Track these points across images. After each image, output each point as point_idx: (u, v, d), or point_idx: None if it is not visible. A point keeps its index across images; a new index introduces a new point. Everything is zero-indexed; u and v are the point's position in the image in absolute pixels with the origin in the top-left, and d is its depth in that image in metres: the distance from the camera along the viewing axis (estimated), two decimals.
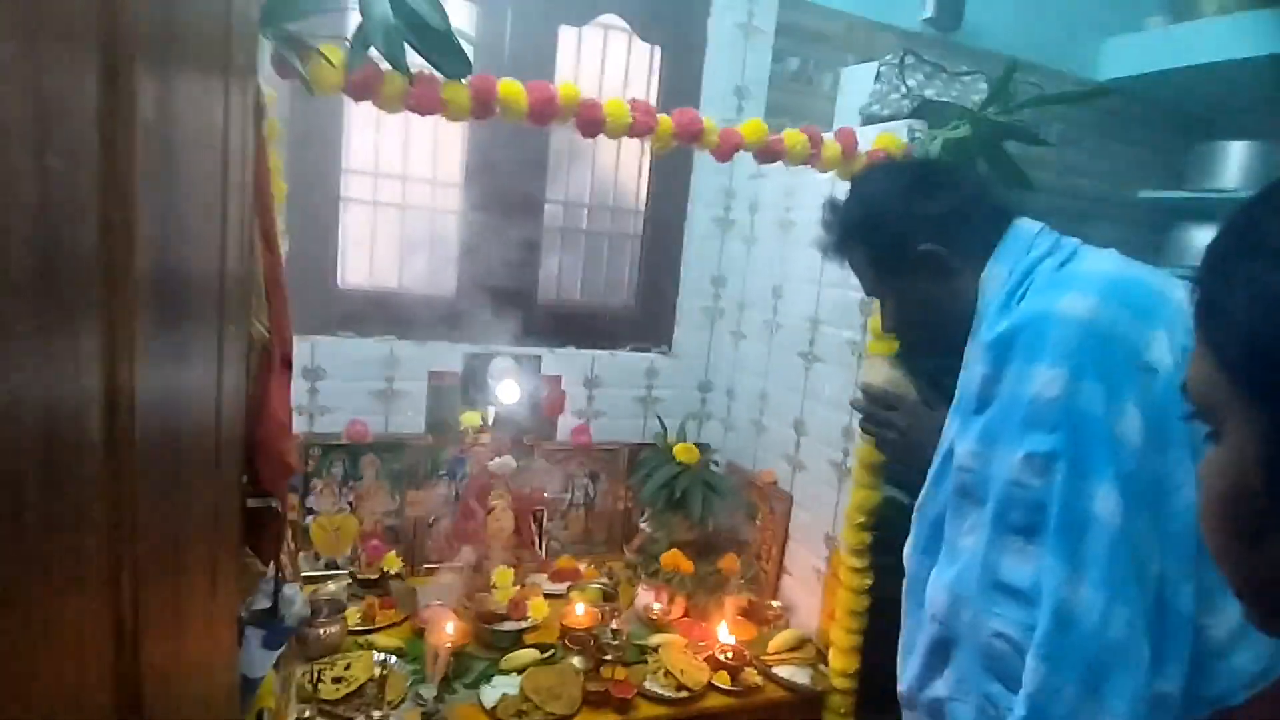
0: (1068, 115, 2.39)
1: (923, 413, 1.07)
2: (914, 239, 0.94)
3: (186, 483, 0.39)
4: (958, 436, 0.90)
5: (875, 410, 1.12)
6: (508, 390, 1.99)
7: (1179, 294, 0.81)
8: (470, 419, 1.95)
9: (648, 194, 2.23)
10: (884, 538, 1.52)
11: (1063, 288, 0.81)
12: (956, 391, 0.93)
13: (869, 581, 1.58)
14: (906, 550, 1.04)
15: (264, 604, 0.88)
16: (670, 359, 2.24)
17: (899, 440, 1.08)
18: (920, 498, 1.00)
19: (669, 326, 2.25)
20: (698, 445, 2.01)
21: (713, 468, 2.05)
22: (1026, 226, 0.93)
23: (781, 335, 1.96)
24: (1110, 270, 0.84)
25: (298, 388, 1.85)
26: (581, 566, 1.98)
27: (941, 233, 0.93)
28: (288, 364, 0.88)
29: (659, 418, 2.16)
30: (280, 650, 1.05)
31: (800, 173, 1.81)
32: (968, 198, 0.96)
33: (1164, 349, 0.76)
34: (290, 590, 1.09)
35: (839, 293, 1.73)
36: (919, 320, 1.02)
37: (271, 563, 0.88)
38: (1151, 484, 0.75)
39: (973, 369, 0.88)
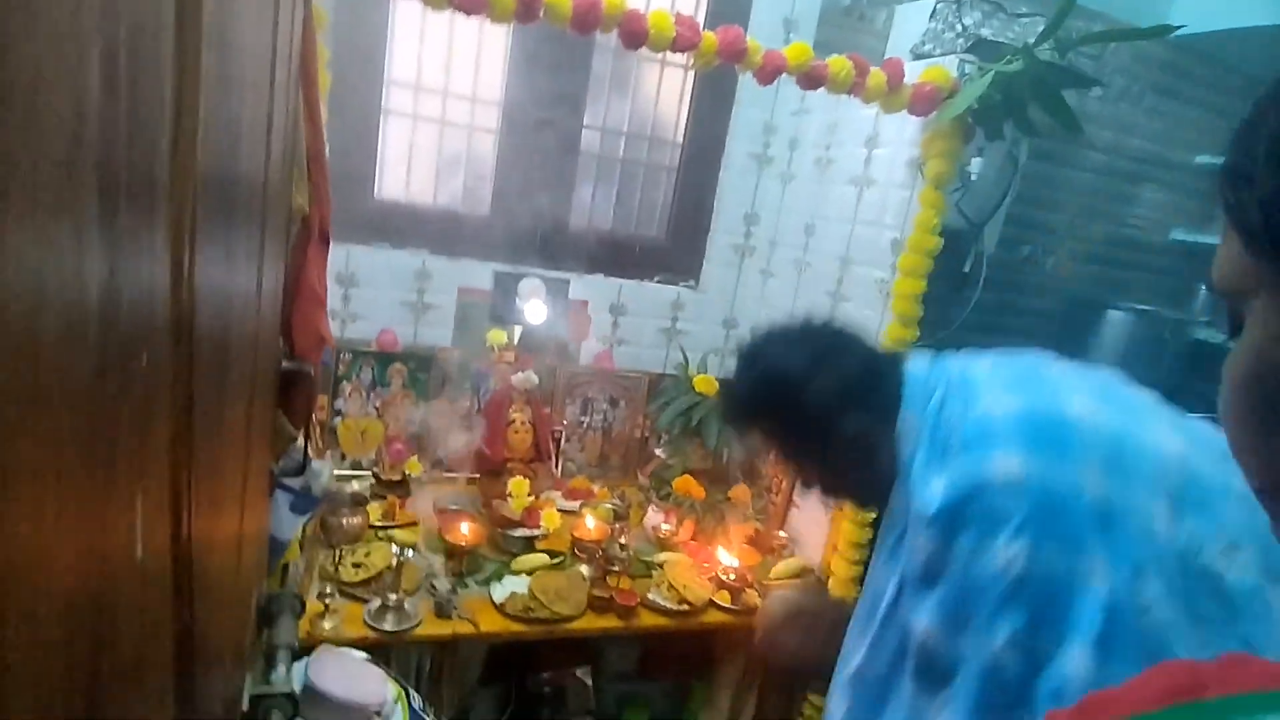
0: (1128, 70, 2.30)
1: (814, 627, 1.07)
2: (827, 419, 0.91)
3: (232, 360, 0.42)
4: (911, 611, 0.85)
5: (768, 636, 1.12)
6: (535, 310, 2.03)
7: (1079, 401, 0.79)
8: (497, 336, 1.99)
9: (686, 126, 2.21)
10: None
11: (984, 444, 0.79)
12: (894, 557, 0.90)
13: (871, 517, 1.61)
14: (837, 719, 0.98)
15: (293, 468, 0.93)
16: (697, 293, 2.25)
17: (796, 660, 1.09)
18: (855, 664, 0.93)
19: (698, 261, 2.25)
20: (717, 379, 2.03)
21: None
22: (917, 369, 0.91)
23: (810, 274, 1.95)
24: (1014, 409, 0.80)
25: (332, 293, 1.90)
26: (595, 488, 2.03)
27: (851, 404, 0.90)
28: (325, 238, 0.92)
29: (681, 350, 2.18)
30: (307, 517, 1.11)
31: (843, 108, 1.78)
32: (864, 357, 0.94)
33: (1094, 474, 0.75)
34: (318, 465, 1.14)
35: (873, 231, 1.72)
36: (840, 485, 1.01)
37: (302, 428, 0.93)
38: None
39: (916, 541, 0.83)
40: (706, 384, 1.98)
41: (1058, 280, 2.54)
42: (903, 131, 1.66)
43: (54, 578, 0.17)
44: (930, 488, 0.80)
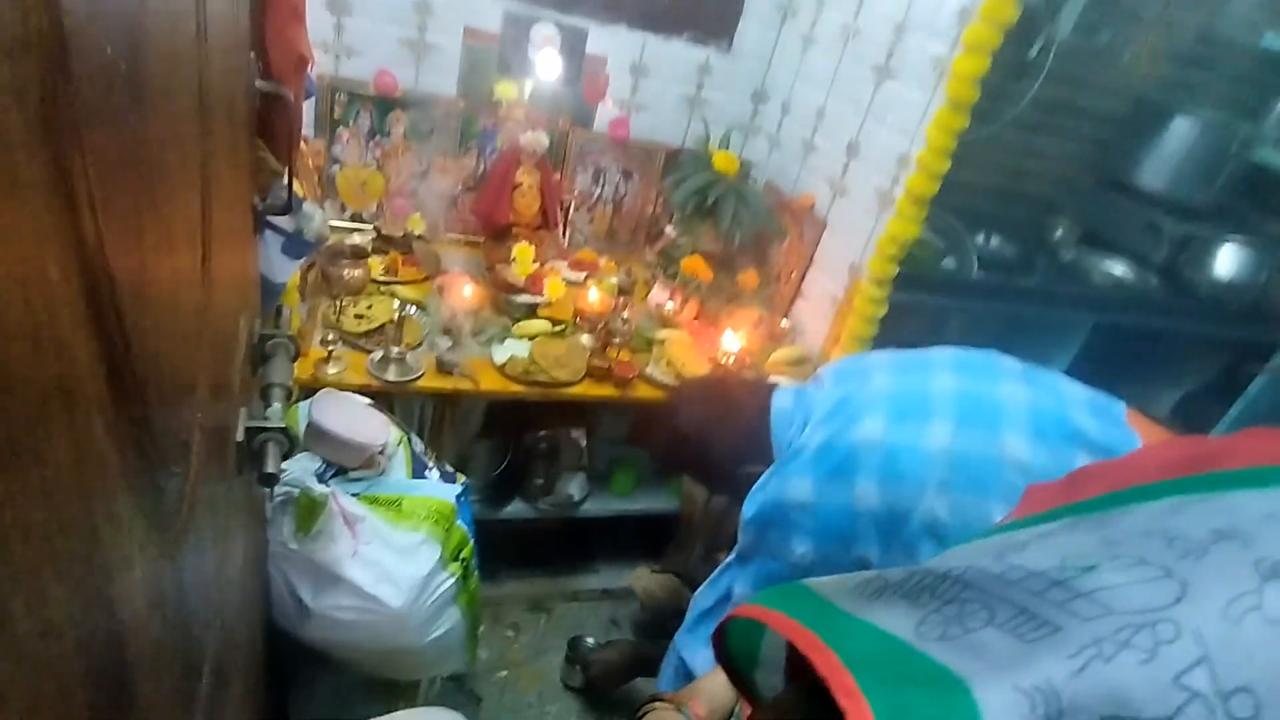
0: None
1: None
2: (731, 465, 1.09)
3: (155, 71, 0.33)
4: (733, 581, 1.12)
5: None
6: (548, 62, 1.83)
7: (867, 425, 0.95)
8: (505, 90, 1.83)
9: None
10: None
11: (787, 472, 1.00)
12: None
13: (882, 312, 1.58)
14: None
15: (279, 206, 0.87)
16: (727, 58, 2.03)
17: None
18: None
19: (734, 18, 1.99)
20: (739, 159, 1.90)
21: (750, 183, 1.96)
22: (782, 405, 1.07)
23: (858, 44, 1.74)
24: (817, 441, 0.98)
25: (321, 20, 1.71)
26: (601, 261, 1.99)
27: (746, 451, 1.07)
28: None
29: (704, 122, 2.01)
30: (300, 261, 1.08)
31: None
32: (754, 406, 1.09)
33: (870, 487, 0.94)
34: (310, 207, 1.08)
35: None
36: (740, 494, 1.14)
37: (286, 163, 0.86)
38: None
39: (740, 536, 1.07)
40: (727, 162, 1.85)
41: (1128, 77, 2.29)
42: None
43: None
44: (754, 498, 1.03)
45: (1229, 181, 2.17)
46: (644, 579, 1.85)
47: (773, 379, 1.69)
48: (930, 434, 0.92)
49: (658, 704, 0.88)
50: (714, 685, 0.96)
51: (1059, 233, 2.29)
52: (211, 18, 0.45)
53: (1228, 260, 2.11)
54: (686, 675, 1.16)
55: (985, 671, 0.25)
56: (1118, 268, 2.22)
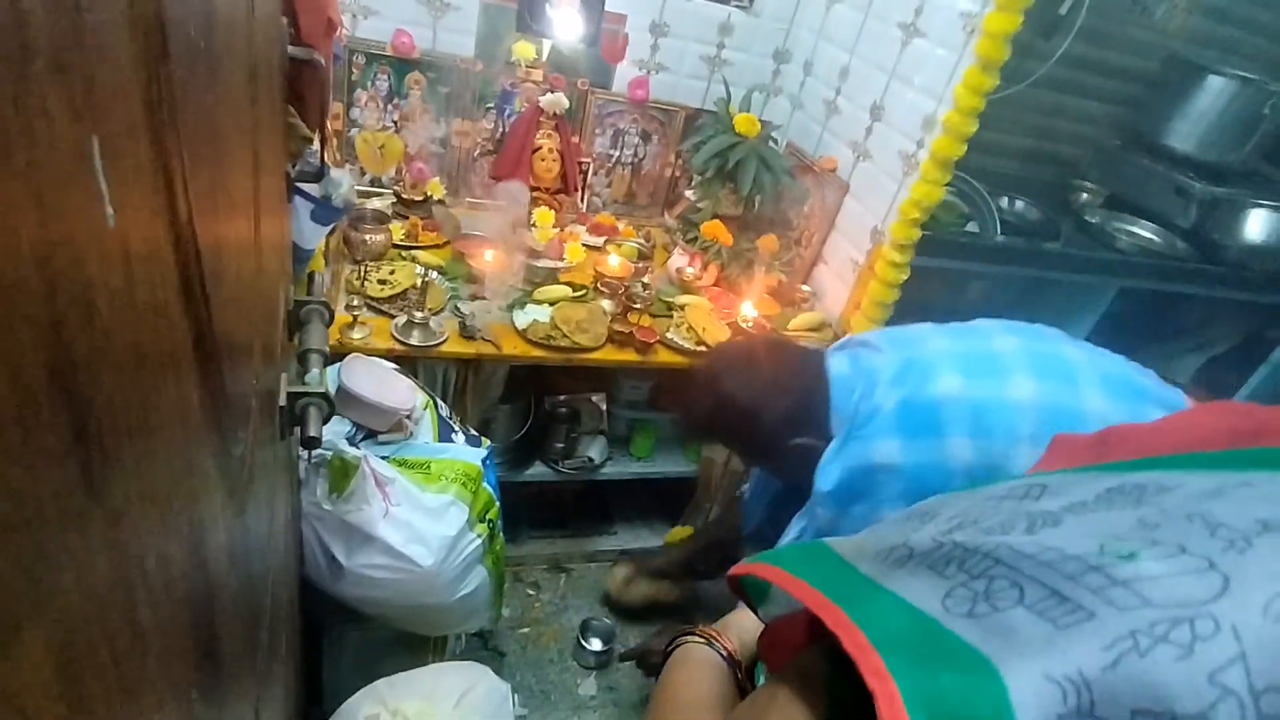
0: None
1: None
2: (776, 437, 1.01)
3: (221, 44, 0.33)
4: None
5: None
6: (566, 21, 1.80)
7: (946, 382, 0.91)
8: (524, 50, 1.80)
9: None
10: None
11: (871, 434, 0.93)
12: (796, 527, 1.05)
13: (904, 277, 1.57)
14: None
15: (311, 173, 0.88)
16: (750, 16, 1.98)
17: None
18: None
19: None
20: (760, 121, 1.87)
21: (771, 145, 1.93)
22: (839, 370, 1.01)
23: (884, 1, 1.69)
24: (895, 400, 0.93)
25: None
26: (620, 225, 1.98)
27: (795, 423, 1.00)
28: None
29: (725, 83, 1.98)
30: (330, 228, 1.09)
31: None
32: (802, 373, 1.03)
33: (963, 443, 0.89)
34: (338, 174, 1.09)
35: None
36: (788, 473, 1.09)
37: (316, 128, 0.86)
38: None
39: (816, 511, 0.98)
40: (748, 124, 1.83)
41: (1161, 34, 2.22)
42: None
43: None
44: (830, 469, 0.96)
45: (1261, 144, 2.12)
46: (620, 579, 1.81)
47: (798, 324, 1.69)
48: (1013, 387, 0.89)
49: (689, 637, 0.90)
50: (744, 619, 0.96)
51: (1084, 196, 2.25)
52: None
53: (1258, 225, 2.07)
54: None
55: (1014, 657, 0.25)
56: (1144, 232, 2.19)
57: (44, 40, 0.13)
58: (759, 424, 1.02)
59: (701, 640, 0.88)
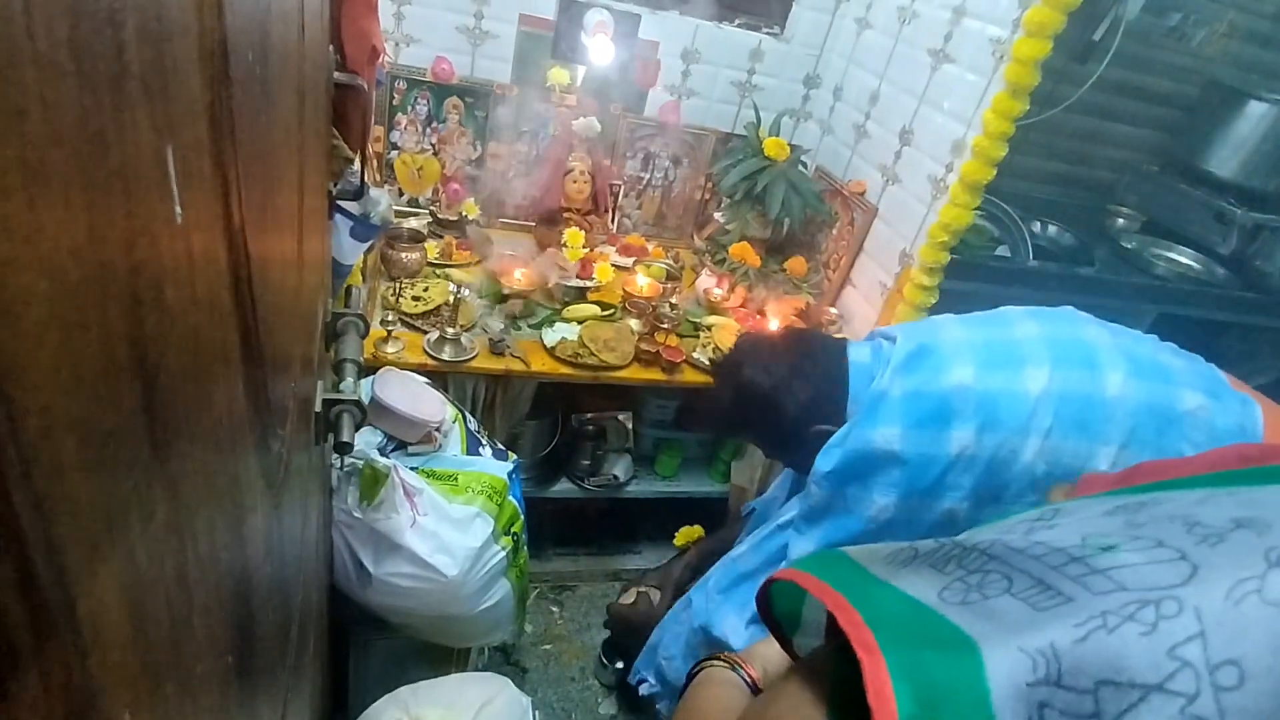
0: None
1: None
2: (798, 425, 1.02)
3: (274, 70, 0.36)
4: (792, 543, 1.05)
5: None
6: (601, 48, 1.85)
7: (958, 373, 0.90)
8: (559, 75, 1.85)
9: None
10: None
11: (875, 420, 0.93)
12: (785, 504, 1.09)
13: (933, 300, 1.57)
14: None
15: (351, 191, 0.92)
16: (780, 42, 2.01)
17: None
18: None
19: (787, 2, 1.98)
20: (790, 145, 1.89)
21: (800, 169, 1.95)
22: (860, 358, 1.02)
23: (914, 27, 1.71)
24: (904, 390, 0.93)
25: (383, 9, 1.75)
26: (650, 246, 2.01)
27: (817, 411, 1.01)
28: None
29: (755, 107, 2.01)
30: (367, 245, 1.13)
31: None
32: (823, 361, 1.03)
33: (967, 436, 0.89)
34: (377, 193, 1.13)
35: None
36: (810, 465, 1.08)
37: (358, 149, 0.90)
38: None
39: (810, 489, 1.00)
40: (777, 148, 1.85)
41: (1199, 60, 2.20)
42: None
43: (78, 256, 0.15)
44: (833, 451, 0.97)
45: None
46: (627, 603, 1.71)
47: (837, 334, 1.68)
48: (1027, 379, 0.89)
49: (713, 663, 0.90)
50: (768, 650, 0.96)
51: (1120, 221, 2.23)
52: (309, 18, 0.49)
53: None
54: (705, 642, 1.15)
55: (995, 634, 0.27)
56: (1182, 258, 2.15)
57: (136, 65, 0.16)
58: (780, 412, 1.02)
59: (725, 666, 0.89)
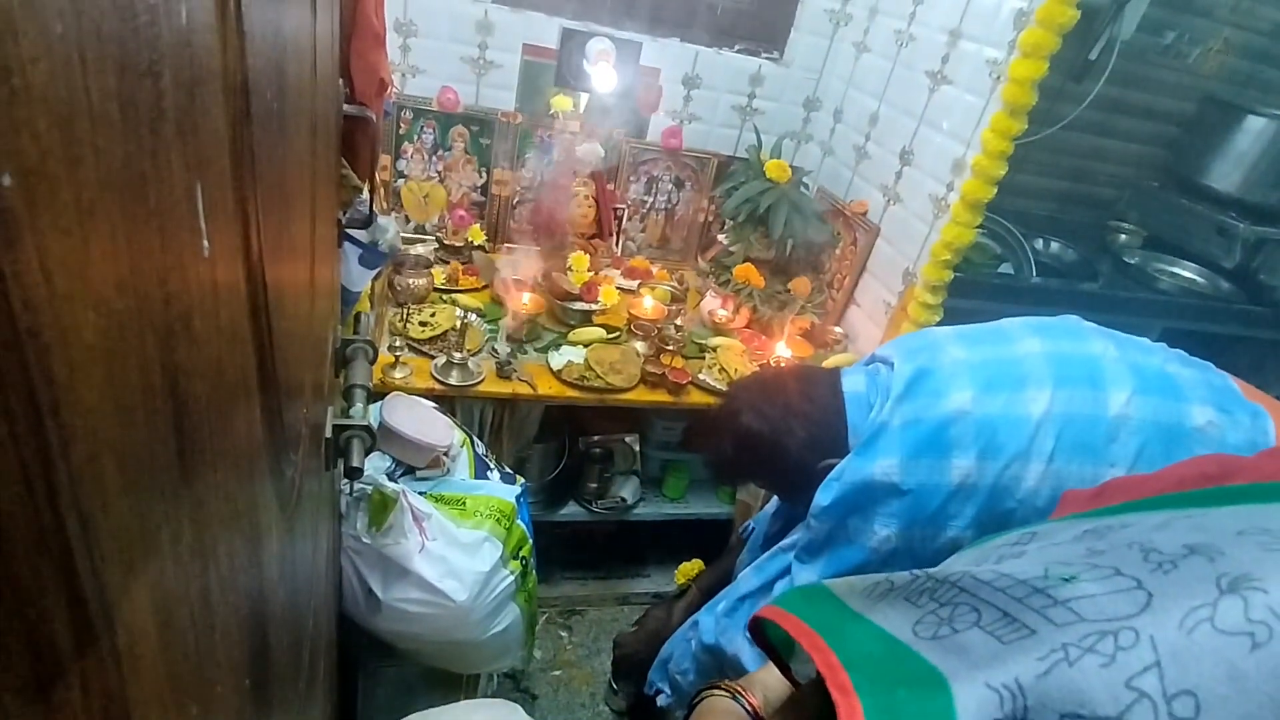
0: None
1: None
2: (807, 463, 0.99)
3: (290, 106, 0.37)
4: (795, 572, 1.03)
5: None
6: (603, 76, 1.88)
7: (957, 399, 0.88)
8: (562, 103, 1.88)
9: None
10: None
11: (873, 451, 0.91)
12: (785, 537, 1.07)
13: (937, 318, 1.58)
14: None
15: (360, 220, 0.94)
16: (780, 67, 2.05)
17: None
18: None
19: (785, 27, 2.02)
20: (791, 166, 1.92)
21: (802, 190, 1.97)
22: (855, 388, 0.99)
23: (912, 50, 1.74)
24: (902, 419, 0.91)
25: (390, 41, 1.79)
26: (654, 269, 2.03)
27: (817, 449, 0.98)
28: None
29: (756, 130, 2.04)
30: (375, 272, 1.14)
31: None
32: (818, 397, 1.01)
33: (967, 464, 0.87)
34: (385, 221, 1.15)
35: (992, 1, 1.49)
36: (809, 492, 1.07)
37: (367, 179, 0.92)
38: None
39: (810, 523, 0.98)
40: (779, 170, 1.87)
41: (1196, 76, 2.22)
42: None
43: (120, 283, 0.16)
44: (831, 484, 0.94)
45: None
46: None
47: (830, 365, 1.68)
48: (1028, 400, 0.86)
49: (714, 692, 0.89)
50: (769, 676, 0.96)
51: (1123, 237, 2.23)
52: (320, 53, 0.50)
53: None
54: (715, 661, 1.13)
55: (963, 670, 0.28)
56: (1186, 272, 2.15)
57: (172, 111, 0.17)
58: (784, 453, 1.00)
59: (726, 694, 0.88)
